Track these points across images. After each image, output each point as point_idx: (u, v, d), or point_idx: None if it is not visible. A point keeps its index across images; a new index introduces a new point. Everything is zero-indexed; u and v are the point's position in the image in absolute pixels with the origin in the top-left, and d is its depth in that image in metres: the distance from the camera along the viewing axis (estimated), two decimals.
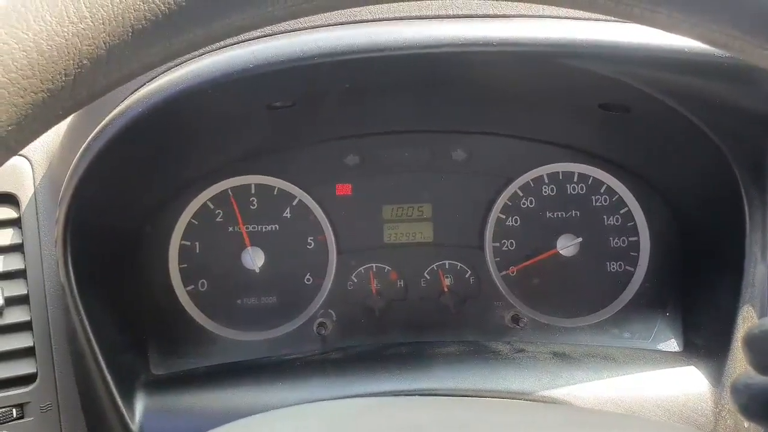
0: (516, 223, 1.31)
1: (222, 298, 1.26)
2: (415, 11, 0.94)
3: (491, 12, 0.94)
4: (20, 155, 1.08)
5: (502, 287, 1.30)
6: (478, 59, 0.96)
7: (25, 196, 1.05)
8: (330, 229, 1.28)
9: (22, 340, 1.00)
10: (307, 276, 1.29)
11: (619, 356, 1.12)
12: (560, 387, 1.04)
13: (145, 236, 1.21)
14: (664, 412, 1.02)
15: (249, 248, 1.26)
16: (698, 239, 1.22)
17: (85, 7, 0.38)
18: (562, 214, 1.31)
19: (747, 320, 1.05)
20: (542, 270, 1.30)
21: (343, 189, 1.30)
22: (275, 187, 1.28)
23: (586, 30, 0.91)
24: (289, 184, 1.28)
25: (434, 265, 1.30)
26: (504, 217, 1.31)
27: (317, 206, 1.28)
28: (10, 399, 0.97)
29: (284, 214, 1.28)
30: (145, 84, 0.91)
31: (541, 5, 0.45)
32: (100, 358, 0.98)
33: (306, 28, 0.92)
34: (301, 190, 1.28)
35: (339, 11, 0.93)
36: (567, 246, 1.29)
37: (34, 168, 1.07)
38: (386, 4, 0.93)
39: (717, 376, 1.05)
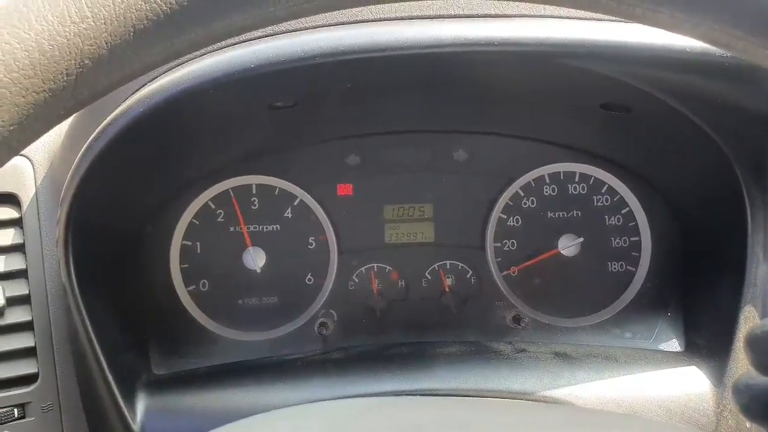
0: (517, 223, 1.31)
1: (223, 298, 1.26)
2: (417, 11, 0.94)
3: (493, 12, 0.94)
4: (21, 155, 1.08)
5: (504, 287, 1.30)
6: (479, 59, 0.96)
7: (26, 196, 1.05)
8: (331, 229, 1.28)
9: (23, 340, 1.00)
10: (309, 276, 1.29)
11: (620, 356, 1.12)
12: (561, 387, 1.04)
13: (147, 236, 1.21)
14: (665, 412, 1.02)
15: (250, 248, 1.26)
16: (700, 239, 1.22)
17: (87, 6, 0.38)
18: (563, 214, 1.30)
19: (749, 320, 1.05)
20: (543, 270, 1.30)
21: (345, 189, 1.30)
22: (276, 187, 1.28)
23: (588, 30, 0.91)
24: (290, 184, 1.28)
25: (435, 265, 1.30)
26: (505, 217, 1.30)
27: (318, 206, 1.28)
28: (11, 399, 0.97)
29: (285, 214, 1.28)
30: (146, 84, 0.91)
31: (542, 5, 0.45)
32: (102, 358, 0.98)
33: (307, 28, 0.92)
34: (302, 190, 1.28)
35: (340, 11, 0.93)
36: (568, 246, 1.29)
37: (35, 168, 1.07)
38: (388, 4, 0.93)
39: (718, 377, 1.05)
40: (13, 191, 1.05)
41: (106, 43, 0.39)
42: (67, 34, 0.38)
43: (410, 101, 1.19)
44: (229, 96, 0.96)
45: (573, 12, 0.93)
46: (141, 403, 1.03)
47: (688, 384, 1.06)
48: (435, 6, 0.94)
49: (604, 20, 0.92)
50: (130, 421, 1.00)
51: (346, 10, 0.93)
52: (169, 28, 0.40)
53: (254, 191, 1.28)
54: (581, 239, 1.29)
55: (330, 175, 1.29)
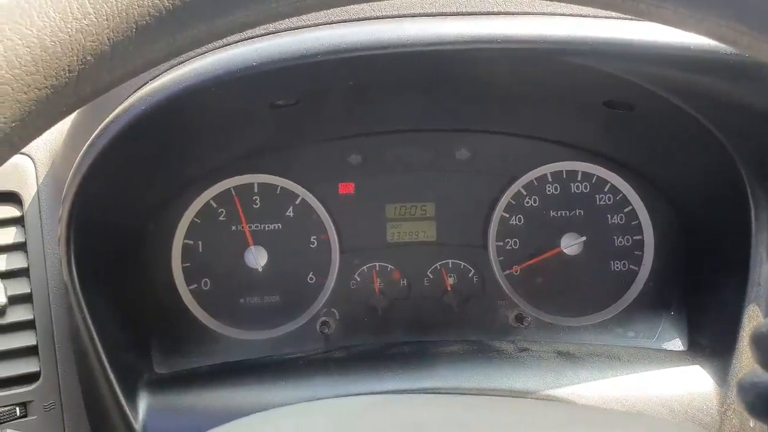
0: (520, 221, 1.30)
1: (225, 297, 1.26)
2: (419, 8, 0.94)
3: (495, 9, 0.93)
4: (23, 153, 1.08)
5: (506, 286, 1.29)
6: (482, 57, 0.96)
7: (27, 194, 1.05)
8: (333, 228, 1.28)
9: (25, 339, 0.99)
10: (310, 275, 1.28)
11: (623, 355, 1.12)
12: (564, 386, 1.04)
13: (148, 234, 1.21)
14: (669, 411, 1.02)
15: (252, 247, 1.26)
16: (703, 238, 1.22)
17: (89, 3, 0.38)
18: (566, 213, 1.30)
19: (752, 319, 1.05)
20: (546, 269, 1.29)
21: (346, 188, 1.29)
22: (278, 185, 1.28)
23: (591, 27, 0.90)
24: (292, 182, 1.28)
25: (437, 264, 1.30)
26: (507, 215, 1.30)
27: (320, 205, 1.28)
28: (13, 397, 0.97)
29: (287, 213, 1.28)
30: (148, 81, 0.91)
31: (546, 1, 0.45)
32: (103, 356, 0.97)
33: (309, 26, 0.92)
34: (304, 189, 1.28)
35: (342, 8, 0.93)
36: (571, 245, 1.29)
37: (36, 166, 1.07)
38: (389, 1, 0.93)
39: (722, 375, 1.05)
40: (15, 189, 1.05)
41: (108, 40, 0.39)
42: (69, 30, 0.38)
43: (412, 100, 1.18)
44: (231, 94, 0.95)
45: (576, 9, 0.93)
46: (143, 402, 1.03)
47: (692, 383, 1.06)
48: (437, 3, 0.94)
49: (607, 17, 0.91)
50: (132, 420, 1.00)
51: (348, 8, 0.93)
52: (172, 24, 0.40)
53: (256, 190, 1.27)
54: (584, 238, 1.29)
55: (332, 173, 1.29)
